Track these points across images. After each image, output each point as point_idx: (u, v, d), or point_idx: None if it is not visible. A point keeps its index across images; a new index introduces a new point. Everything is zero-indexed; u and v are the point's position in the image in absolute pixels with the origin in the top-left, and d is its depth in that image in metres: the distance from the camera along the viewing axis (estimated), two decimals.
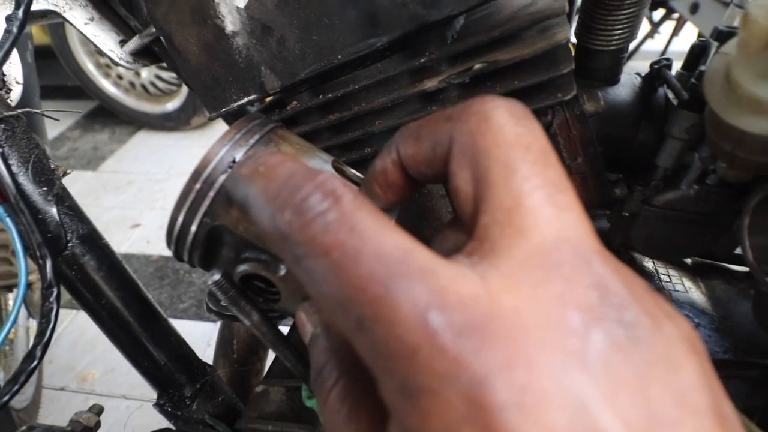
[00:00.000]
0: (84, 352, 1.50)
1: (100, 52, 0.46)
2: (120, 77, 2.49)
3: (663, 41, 2.21)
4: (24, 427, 0.40)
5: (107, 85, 2.50)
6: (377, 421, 0.15)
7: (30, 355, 0.33)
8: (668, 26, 2.17)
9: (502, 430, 0.11)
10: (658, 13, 2.19)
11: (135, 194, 2.19)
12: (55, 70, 2.38)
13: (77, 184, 2.27)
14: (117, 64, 0.48)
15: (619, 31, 0.33)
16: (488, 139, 0.16)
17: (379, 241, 0.13)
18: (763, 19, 0.24)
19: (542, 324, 0.12)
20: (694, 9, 1.44)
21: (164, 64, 0.48)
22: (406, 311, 0.12)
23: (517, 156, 0.15)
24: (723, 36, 0.32)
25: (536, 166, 0.15)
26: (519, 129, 0.16)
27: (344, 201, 0.14)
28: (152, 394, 0.48)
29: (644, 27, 2.21)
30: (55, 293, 0.33)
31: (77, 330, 1.55)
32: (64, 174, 0.38)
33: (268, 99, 0.43)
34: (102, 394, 1.38)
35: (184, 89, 2.37)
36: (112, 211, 2.06)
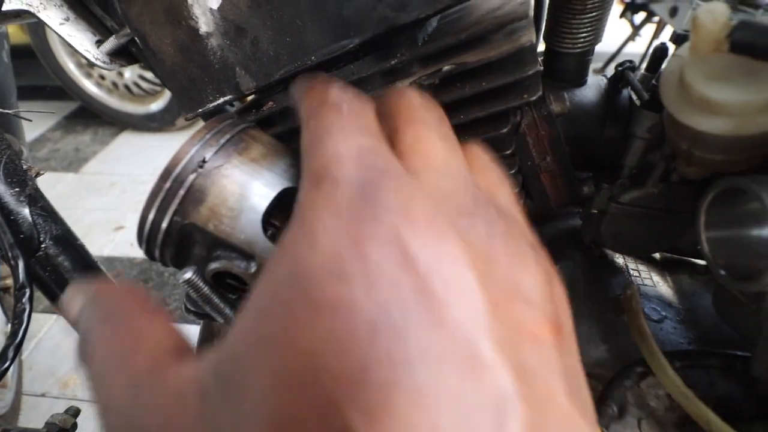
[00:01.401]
0: (65, 357, 1.47)
1: (77, 53, 0.46)
2: (102, 77, 2.45)
3: (644, 44, 2.26)
4: (0, 429, 0.39)
5: (89, 86, 2.45)
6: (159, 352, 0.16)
7: (2, 356, 0.33)
8: (649, 29, 2.22)
9: (373, 218, 0.14)
10: (639, 17, 2.23)
11: (118, 196, 2.15)
12: (35, 70, 2.33)
13: (58, 186, 2.22)
14: (94, 65, 0.47)
15: (584, 34, 0.35)
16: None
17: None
18: (710, 23, 0.25)
19: (434, 194, 0.16)
20: (673, 12, 1.48)
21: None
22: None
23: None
24: (680, 39, 0.34)
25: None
26: None
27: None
28: None
29: (626, 30, 2.26)
30: (27, 294, 0.33)
31: (58, 335, 1.52)
32: (38, 174, 0.38)
33: (247, 99, 0.43)
34: (84, 399, 1.36)
35: (168, 90, 2.35)
36: (95, 213, 2.03)
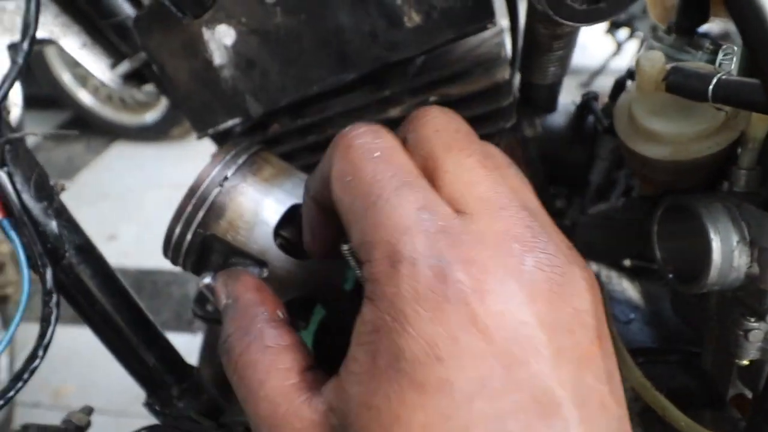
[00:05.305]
0: (59, 366, 1.47)
1: (92, 75, 0.50)
2: (97, 88, 2.46)
3: (628, 59, 2.35)
4: (19, 426, 0.42)
5: (83, 96, 2.46)
6: (292, 382, 0.20)
7: (33, 356, 0.36)
8: (633, 45, 2.31)
9: (453, 301, 0.16)
10: (623, 33, 2.33)
11: (111, 206, 2.16)
12: (26, 78, 2.34)
13: None
14: (107, 86, 0.52)
15: (552, 69, 0.40)
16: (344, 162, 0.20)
17: None
18: (649, 68, 0.30)
19: (494, 242, 0.18)
20: (655, 29, 1.57)
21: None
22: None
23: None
24: (633, 75, 0.39)
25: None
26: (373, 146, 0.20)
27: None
28: (129, 408, 0.49)
29: (610, 46, 2.35)
30: (54, 299, 0.36)
31: (52, 344, 1.52)
32: (62, 189, 0.42)
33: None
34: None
35: (164, 99, 2.37)
36: (88, 223, 1.99)
